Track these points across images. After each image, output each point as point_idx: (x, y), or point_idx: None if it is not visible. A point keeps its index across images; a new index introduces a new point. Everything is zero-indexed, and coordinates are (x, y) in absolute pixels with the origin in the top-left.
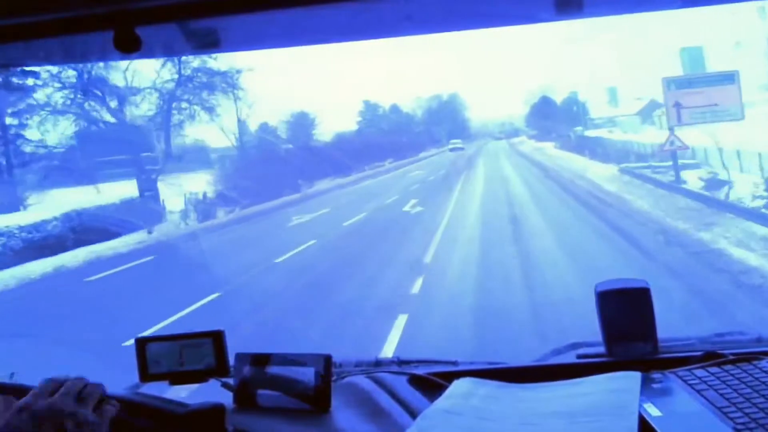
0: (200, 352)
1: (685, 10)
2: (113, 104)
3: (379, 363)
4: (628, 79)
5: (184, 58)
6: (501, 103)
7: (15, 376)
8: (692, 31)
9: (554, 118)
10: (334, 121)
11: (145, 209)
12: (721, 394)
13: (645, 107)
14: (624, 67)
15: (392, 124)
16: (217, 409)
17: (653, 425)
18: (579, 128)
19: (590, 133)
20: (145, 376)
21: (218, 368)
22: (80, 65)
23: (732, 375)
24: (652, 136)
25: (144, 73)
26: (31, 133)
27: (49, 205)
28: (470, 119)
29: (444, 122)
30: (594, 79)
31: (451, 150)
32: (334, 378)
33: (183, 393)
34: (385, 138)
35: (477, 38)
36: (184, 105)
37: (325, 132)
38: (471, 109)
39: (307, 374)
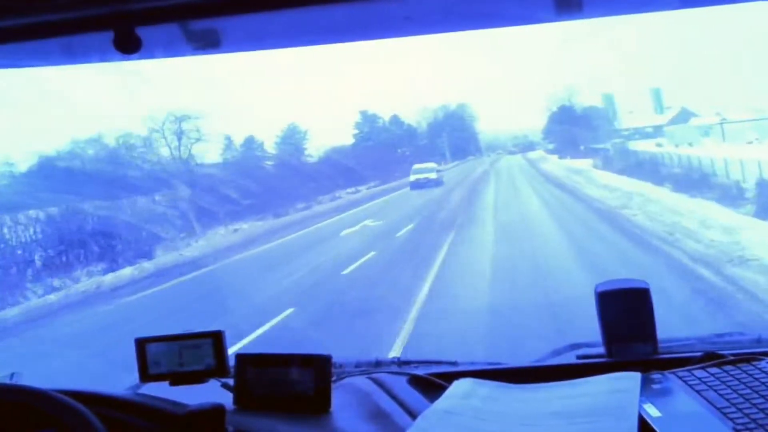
0: (200, 353)
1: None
2: None
3: (379, 363)
4: (640, 86)
5: None
6: (513, 114)
7: (15, 376)
8: (702, 32)
9: (577, 128)
10: (330, 134)
11: None
12: (721, 395)
13: (677, 116)
14: (637, 74)
15: (393, 137)
16: (217, 410)
17: (653, 426)
18: (618, 140)
19: (636, 146)
20: (145, 376)
21: (218, 369)
22: None
23: (732, 375)
24: (725, 150)
25: None
26: None
27: None
28: (480, 132)
29: (450, 134)
30: (610, 86)
31: (414, 186)
32: (333, 379)
33: (183, 394)
34: (382, 153)
35: (486, 42)
36: None
37: (318, 147)
38: (481, 120)
39: (307, 375)
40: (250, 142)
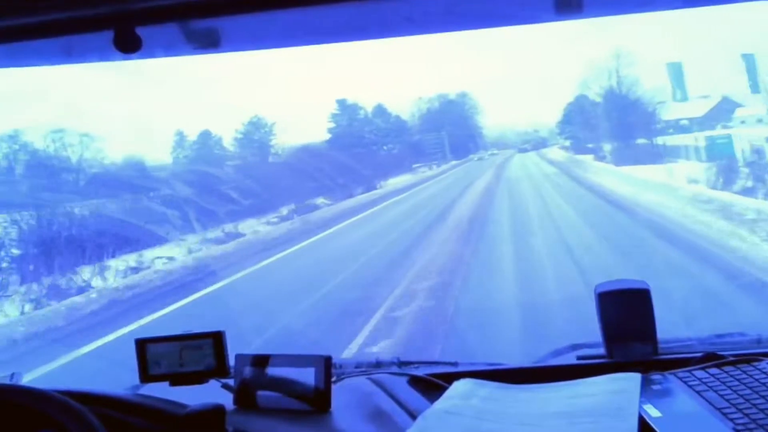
0: (200, 353)
1: None
2: None
3: (379, 364)
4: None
5: None
6: (521, 105)
7: (15, 376)
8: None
9: (621, 117)
10: (300, 128)
11: None
12: (721, 395)
13: (716, 106)
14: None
15: (378, 132)
16: (217, 410)
17: (653, 426)
18: (720, 133)
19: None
20: (145, 376)
21: (218, 369)
22: None
23: (732, 376)
24: None
25: None
26: None
27: None
28: (484, 127)
29: (448, 129)
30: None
31: None
32: (333, 379)
33: (183, 394)
34: (361, 151)
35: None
36: None
37: (284, 144)
38: (484, 114)
39: (306, 375)
40: (206, 137)
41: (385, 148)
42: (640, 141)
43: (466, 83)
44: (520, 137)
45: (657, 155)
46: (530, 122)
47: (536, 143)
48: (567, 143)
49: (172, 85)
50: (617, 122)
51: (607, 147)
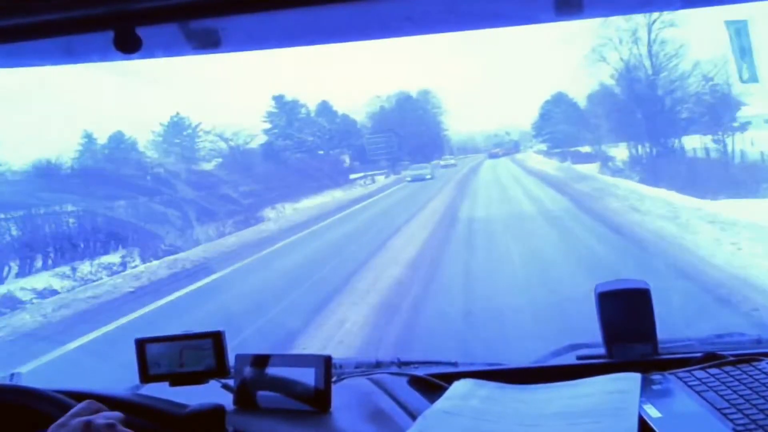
0: (200, 353)
1: None
2: None
3: (379, 364)
4: None
5: None
6: (490, 105)
7: (15, 376)
8: None
9: (620, 115)
10: (231, 130)
11: None
12: (721, 396)
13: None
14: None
15: (322, 135)
16: (217, 410)
17: (653, 426)
18: None
19: None
20: (145, 377)
21: (218, 369)
22: None
23: (732, 376)
24: None
25: None
26: None
27: None
28: (448, 128)
29: (404, 130)
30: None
31: None
32: (334, 379)
33: (183, 394)
34: (288, 159)
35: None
36: None
37: (211, 149)
38: (450, 114)
39: (307, 375)
40: (117, 140)
41: (332, 152)
42: (694, 142)
43: (430, 81)
44: (489, 140)
45: (753, 173)
46: (501, 123)
47: (509, 148)
48: (543, 147)
49: (80, 79)
50: (644, 114)
51: (620, 152)
